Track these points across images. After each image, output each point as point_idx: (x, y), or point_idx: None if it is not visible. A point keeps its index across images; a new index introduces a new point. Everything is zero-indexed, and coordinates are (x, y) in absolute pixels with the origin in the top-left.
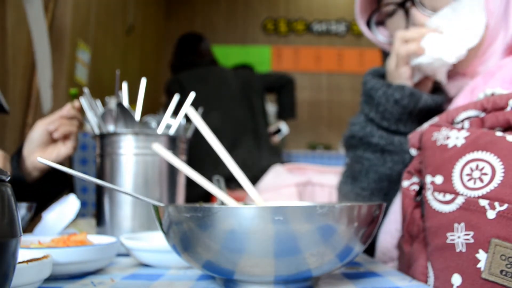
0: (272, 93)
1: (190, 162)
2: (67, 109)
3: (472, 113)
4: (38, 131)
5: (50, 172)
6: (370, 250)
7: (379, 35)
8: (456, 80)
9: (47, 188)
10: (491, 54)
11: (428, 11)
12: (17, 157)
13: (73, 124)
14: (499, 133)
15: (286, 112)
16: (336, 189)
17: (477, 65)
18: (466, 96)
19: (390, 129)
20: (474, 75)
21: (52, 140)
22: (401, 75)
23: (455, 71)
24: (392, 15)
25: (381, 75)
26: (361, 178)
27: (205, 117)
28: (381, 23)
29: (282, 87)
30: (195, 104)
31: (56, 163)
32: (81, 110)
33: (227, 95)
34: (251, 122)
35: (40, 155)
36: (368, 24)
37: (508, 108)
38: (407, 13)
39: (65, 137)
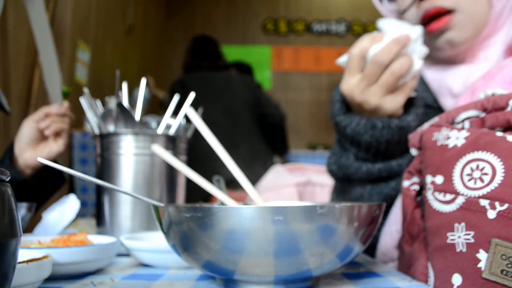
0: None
1: (194, 163)
2: (56, 107)
3: (472, 113)
4: (27, 128)
5: (43, 169)
6: (371, 251)
7: (391, 7)
8: (456, 70)
9: (41, 184)
10: (493, 42)
11: None
12: (9, 155)
13: (65, 122)
14: (499, 133)
15: (277, 151)
16: None
17: (477, 49)
18: (467, 96)
19: (386, 159)
20: (474, 60)
21: (42, 138)
22: (371, 98)
23: (454, 56)
24: None
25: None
26: (364, 200)
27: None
28: None
29: (271, 125)
30: (195, 107)
31: (49, 161)
32: (73, 110)
33: (230, 103)
34: (247, 134)
35: (31, 153)
36: None
37: (509, 108)
38: None
39: (57, 135)
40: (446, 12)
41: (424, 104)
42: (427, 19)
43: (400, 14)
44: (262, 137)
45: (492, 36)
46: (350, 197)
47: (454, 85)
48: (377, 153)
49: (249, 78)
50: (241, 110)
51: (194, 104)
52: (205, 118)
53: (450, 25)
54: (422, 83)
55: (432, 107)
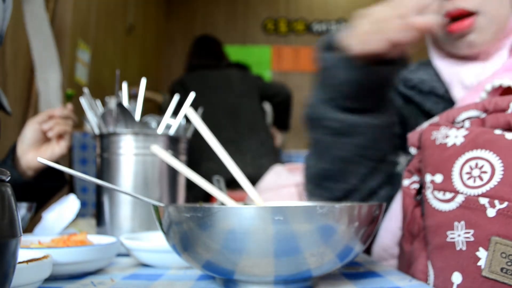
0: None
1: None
2: (59, 109)
3: (473, 113)
4: (30, 130)
5: (44, 171)
6: (367, 248)
7: None
8: (470, 64)
9: (42, 186)
10: (507, 42)
11: None
12: (11, 156)
13: (68, 124)
14: (497, 131)
15: (282, 126)
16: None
17: (492, 48)
18: (472, 95)
19: (345, 107)
20: (488, 58)
21: (45, 139)
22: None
23: (469, 54)
24: None
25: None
26: (320, 159)
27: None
28: None
29: (279, 103)
30: (196, 106)
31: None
32: (74, 111)
33: (231, 100)
34: (250, 130)
35: (34, 154)
36: None
37: (509, 110)
38: None
39: (59, 137)
40: (468, 13)
41: (435, 94)
42: (448, 19)
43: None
44: (266, 132)
45: (508, 37)
46: (314, 149)
47: (467, 77)
48: (338, 92)
49: (248, 72)
50: (242, 107)
51: (195, 103)
52: (206, 117)
53: (472, 28)
54: (434, 73)
55: (444, 98)
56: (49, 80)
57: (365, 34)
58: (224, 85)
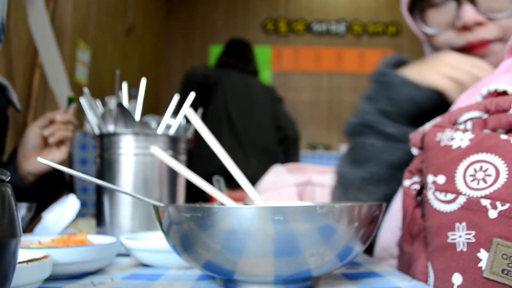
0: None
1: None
2: (61, 114)
3: (475, 114)
4: (31, 134)
5: (45, 176)
6: (368, 248)
7: (426, 28)
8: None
9: (42, 190)
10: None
11: (482, 13)
12: (13, 160)
13: (69, 129)
14: (504, 136)
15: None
16: (335, 173)
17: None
18: (469, 96)
19: (398, 121)
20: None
21: (46, 144)
22: (434, 82)
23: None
24: (438, 5)
25: (397, 64)
26: (368, 163)
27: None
28: (420, 9)
29: (285, 139)
30: (215, 94)
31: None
32: (75, 115)
33: (248, 106)
34: (259, 138)
35: (35, 160)
36: (410, 10)
37: (511, 111)
38: (458, 5)
39: (60, 142)
40: (488, 42)
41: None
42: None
43: (431, 37)
44: (275, 143)
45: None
46: (355, 155)
47: None
48: (401, 109)
49: (273, 89)
50: (256, 116)
51: (214, 92)
52: (220, 112)
53: (492, 52)
54: None
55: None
56: (59, 80)
57: (444, 73)
58: (245, 89)
